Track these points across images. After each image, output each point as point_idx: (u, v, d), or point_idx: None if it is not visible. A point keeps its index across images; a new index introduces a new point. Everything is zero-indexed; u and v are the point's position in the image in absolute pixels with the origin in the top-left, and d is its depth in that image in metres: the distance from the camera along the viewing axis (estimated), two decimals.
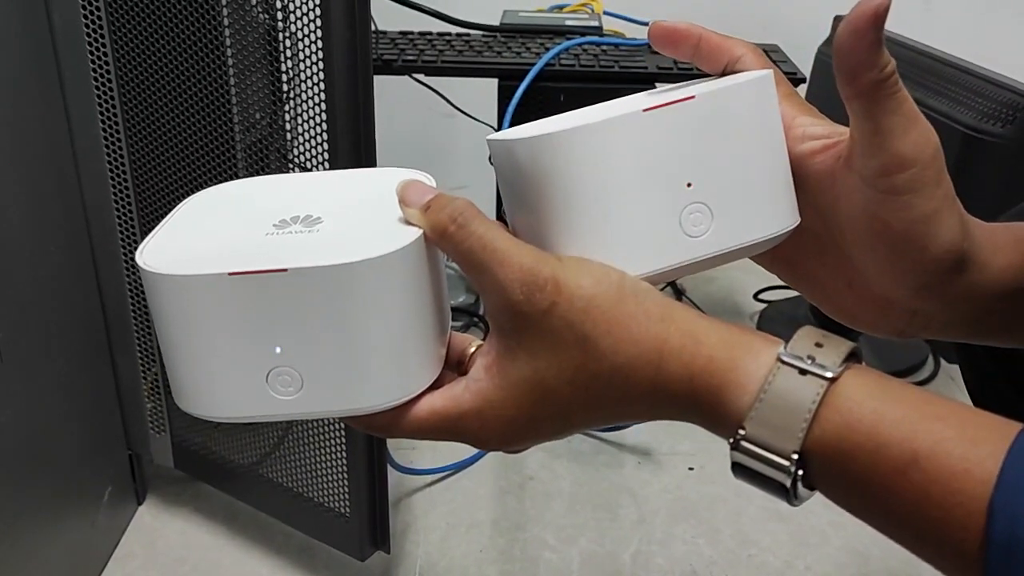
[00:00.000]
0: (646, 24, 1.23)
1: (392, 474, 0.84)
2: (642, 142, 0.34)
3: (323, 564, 0.90)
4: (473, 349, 0.39)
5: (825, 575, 0.90)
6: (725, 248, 0.36)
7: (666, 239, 0.35)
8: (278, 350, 0.34)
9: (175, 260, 0.34)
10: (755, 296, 1.36)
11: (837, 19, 1.25)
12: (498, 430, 0.35)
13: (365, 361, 0.34)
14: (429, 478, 1.02)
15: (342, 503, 0.84)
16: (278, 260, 0.33)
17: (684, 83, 0.41)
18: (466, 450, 1.04)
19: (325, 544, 0.89)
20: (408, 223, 0.35)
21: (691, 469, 1.05)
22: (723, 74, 0.40)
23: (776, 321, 1.31)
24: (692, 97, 0.35)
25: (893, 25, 1.30)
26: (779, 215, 0.37)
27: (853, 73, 0.34)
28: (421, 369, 0.36)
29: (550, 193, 0.35)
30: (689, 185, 0.35)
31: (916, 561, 1.07)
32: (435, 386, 0.37)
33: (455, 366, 0.39)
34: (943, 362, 1.22)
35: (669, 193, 0.35)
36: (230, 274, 0.32)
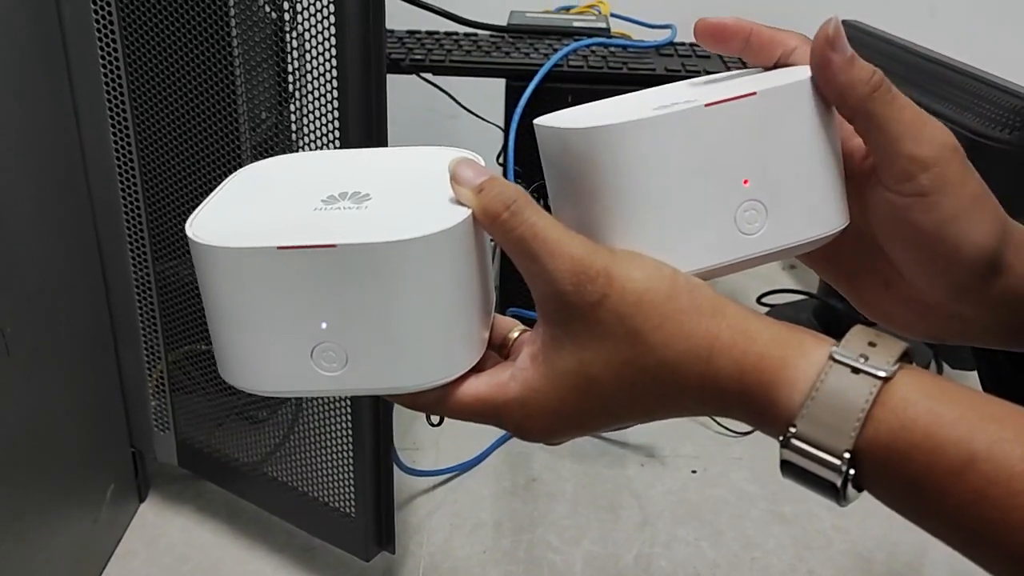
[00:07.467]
0: (653, 27, 1.24)
1: (395, 474, 0.84)
2: (702, 137, 0.34)
3: (326, 564, 0.90)
4: (516, 334, 0.38)
5: None
6: (778, 247, 0.36)
7: (721, 235, 0.35)
8: (324, 325, 0.34)
9: (224, 233, 0.34)
10: (758, 300, 1.36)
11: (844, 24, 1.25)
12: (540, 420, 0.35)
13: (410, 339, 0.34)
14: (433, 479, 1.01)
15: (347, 502, 0.84)
16: (327, 236, 0.33)
17: (732, 73, 0.41)
18: (470, 451, 1.04)
19: (329, 544, 0.89)
20: (458, 202, 0.35)
21: (694, 472, 1.05)
22: (775, 66, 0.39)
23: None
24: (753, 93, 0.34)
25: (899, 31, 1.30)
26: (831, 215, 0.37)
27: (841, 97, 0.35)
28: (465, 350, 0.36)
29: (604, 184, 0.35)
30: (746, 182, 0.35)
31: (919, 566, 1.07)
32: (478, 368, 0.37)
33: (497, 349, 0.39)
34: (946, 367, 1.22)
35: (726, 189, 0.35)
36: (279, 248, 0.33)
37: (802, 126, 0.35)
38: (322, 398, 0.82)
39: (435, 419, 0.40)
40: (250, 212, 0.36)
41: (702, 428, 1.11)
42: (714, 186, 0.35)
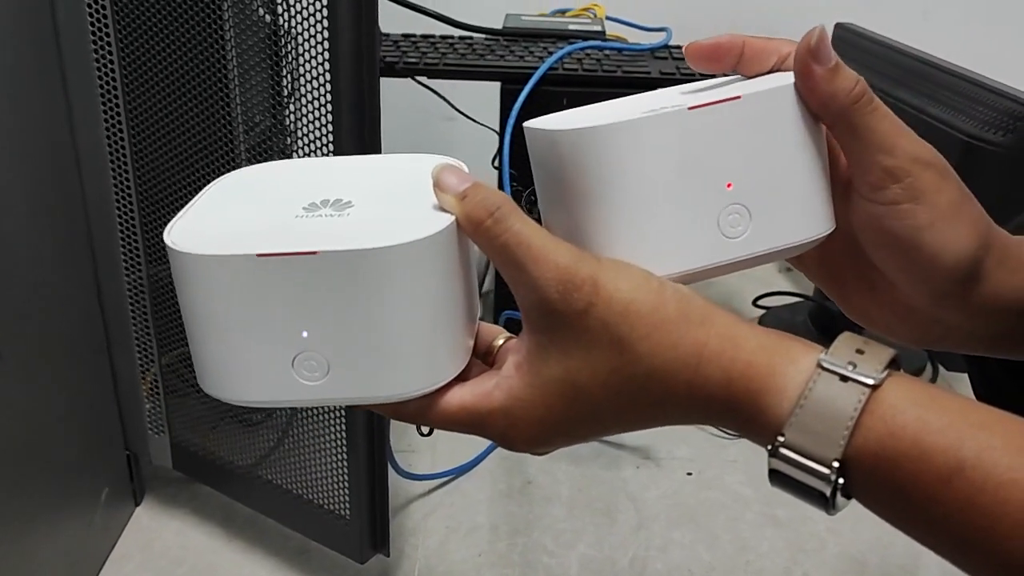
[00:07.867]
0: (647, 30, 1.24)
1: (391, 477, 0.84)
2: (687, 140, 0.34)
3: (320, 566, 0.90)
4: (501, 341, 0.38)
5: None
6: (761, 250, 0.36)
7: (704, 238, 0.35)
8: (305, 334, 0.33)
9: (203, 240, 0.33)
10: (754, 302, 1.36)
11: (839, 26, 1.25)
12: (526, 430, 0.35)
13: (392, 348, 0.34)
14: (429, 483, 1.01)
15: (342, 505, 0.83)
16: (308, 243, 0.32)
17: (719, 80, 0.41)
18: (466, 454, 1.04)
19: (324, 546, 0.89)
20: (441, 209, 0.35)
21: (689, 474, 1.05)
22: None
23: (774, 328, 1.31)
24: (738, 97, 0.34)
25: (892, 34, 1.30)
26: (816, 219, 0.37)
27: (824, 106, 0.35)
28: (449, 358, 0.36)
29: (590, 186, 0.35)
30: (729, 186, 0.35)
31: (913, 568, 1.07)
32: (462, 377, 0.36)
33: (482, 357, 0.38)
34: (942, 369, 1.22)
35: (709, 192, 0.35)
36: (259, 255, 0.32)
37: (786, 130, 0.36)
38: None
39: (425, 428, 0.39)
40: (230, 220, 0.36)
41: (697, 430, 1.11)
42: (697, 189, 0.35)
